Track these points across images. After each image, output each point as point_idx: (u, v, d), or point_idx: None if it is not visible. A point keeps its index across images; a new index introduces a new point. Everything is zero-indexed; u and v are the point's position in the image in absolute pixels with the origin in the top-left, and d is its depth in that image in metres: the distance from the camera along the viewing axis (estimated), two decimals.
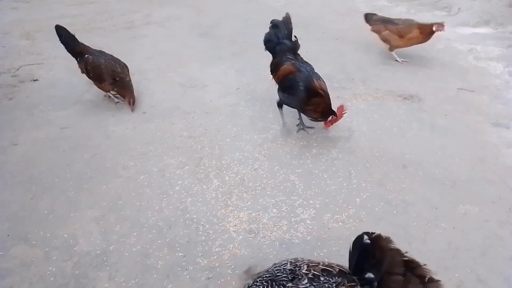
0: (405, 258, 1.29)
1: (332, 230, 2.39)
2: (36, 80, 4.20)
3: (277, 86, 3.27)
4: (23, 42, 5.16)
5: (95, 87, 3.72)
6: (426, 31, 4.01)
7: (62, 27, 3.64)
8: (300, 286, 1.42)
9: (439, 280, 1.27)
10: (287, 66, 3.10)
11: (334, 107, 2.98)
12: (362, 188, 2.71)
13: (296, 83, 2.97)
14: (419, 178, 2.78)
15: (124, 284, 2.09)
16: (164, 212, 2.55)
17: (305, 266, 1.50)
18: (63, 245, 2.32)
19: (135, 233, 2.40)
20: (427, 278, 1.26)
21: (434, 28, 3.96)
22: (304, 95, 2.96)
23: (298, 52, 3.27)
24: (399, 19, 4.32)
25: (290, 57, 3.16)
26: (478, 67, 4.34)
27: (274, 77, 3.26)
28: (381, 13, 4.62)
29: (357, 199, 2.62)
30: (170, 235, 2.38)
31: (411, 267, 1.28)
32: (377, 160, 2.96)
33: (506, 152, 3.03)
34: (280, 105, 3.30)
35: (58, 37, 3.62)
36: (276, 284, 1.48)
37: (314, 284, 1.42)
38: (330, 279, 1.43)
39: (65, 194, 2.70)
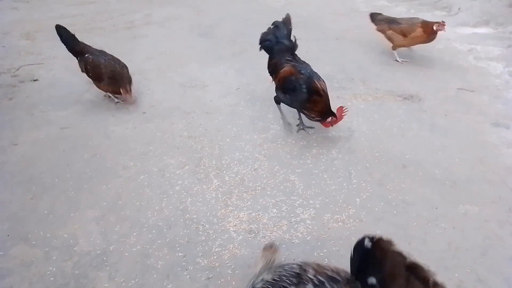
0: (407, 261, 1.26)
1: (332, 230, 2.39)
2: (36, 80, 4.20)
3: (275, 85, 3.26)
4: (23, 42, 5.16)
5: (95, 87, 3.73)
6: (429, 29, 4.01)
7: (62, 26, 3.68)
8: None
9: (442, 283, 1.23)
10: (287, 68, 3.08)
11: (334, 107, 2.98)
12: (362, 188, 2.71)
13: (298, 85, 2.96)
14: (419, 178, 2.78)
15: (124, 284, 2.09)
16: (164, 212, 2.55)
17: (312, 271, 1.47)
18: (63, 245, 2.32)
19: (135, 233, 2.40)
20: (430, 281, 1.22)
21: (434, 28, 3.96)
22: (305, 96, 2.95)
23: (296, 52, 3.25)
24: (403, 19, 4.32)
25: (288, 58, 3.15)
26: (478, 67, 4.34)
27: (274, 79, 3.24)
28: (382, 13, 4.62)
29: (357, 199, 2.62)
30: (170, 235, 2.38)
31: (414, 270, 1.24)
32: (377, 160, 2.96)
33: (506, 152, 3.03)
34: (278, 101, 3.30)
35: (58, 37, 3.65)
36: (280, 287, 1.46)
37: None
38: (335, 286, 1.40)
39: (65, 194, 2.70)
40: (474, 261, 2.17)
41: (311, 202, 2.61)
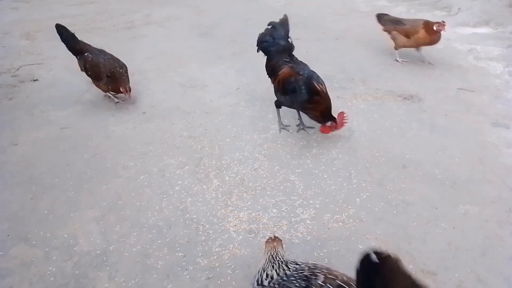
0: (416, 283, 1.20)
1: (332, 230, 2.39)
2: (36, 80, 4.20)
3: (274, 87, 3.25)
4: (23, 42, 5.17)
5: (95, 87, 3.73)
6: (430, 29, 4.00)
7: (62, 26, 3.69)
8: None
9: None
10: (286, 70, 3.06)
11: (334, 107, 2.98)
12: (362, 188, 2.71)
13: (298, 86, 2.95)
14: (419, 178, 2.78)
15: (124, 284, 2.09)
16: (164, 212, 2.55)
17: (322, 277, 1.43)
18: (63, 245, 2.32)
19: (135, 233, 2.40)
20: None
21: (434, 28, 3.96)
22: (305, 97, 2.95)
23: (297, 52, 3.25)
24: (408, 19, 4.32)
25: (286, 59, 3.13)
26: (478, 67, 4.34)
27: (273, 81, 3.23)
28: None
29: (357, 199, 2.62)
30: (170, 235, 2.38)
31: None
32: (377, 160, 2.96)
33: (506, 152, 3.03)
34: (278, 106, 3.30)
35: (58, 37, 3.66)
36: None
37: None
38: None
39: (65, 194, 2.70)
40: (474, 261, 2.17)
41: (311, 202, 2.61)
